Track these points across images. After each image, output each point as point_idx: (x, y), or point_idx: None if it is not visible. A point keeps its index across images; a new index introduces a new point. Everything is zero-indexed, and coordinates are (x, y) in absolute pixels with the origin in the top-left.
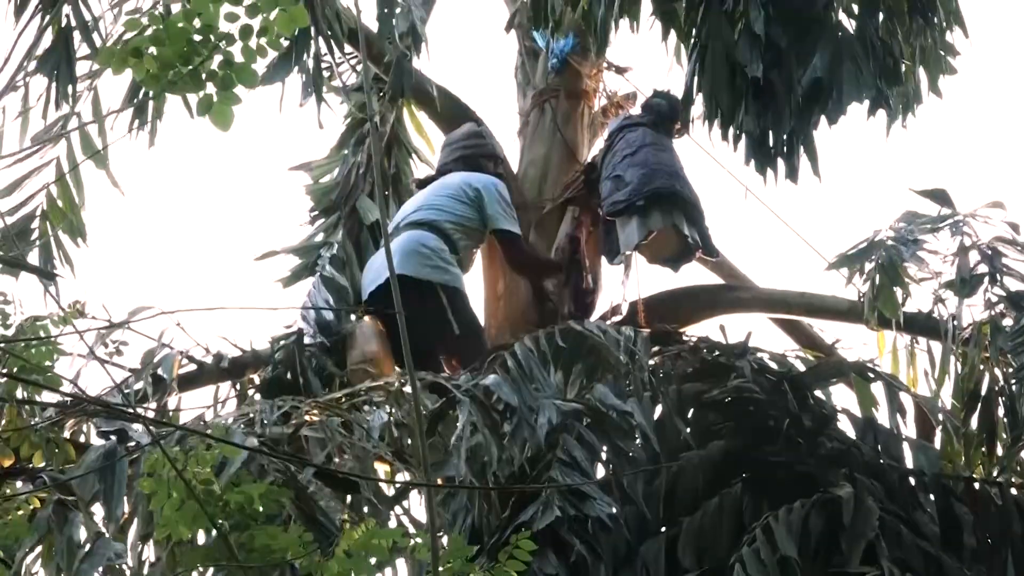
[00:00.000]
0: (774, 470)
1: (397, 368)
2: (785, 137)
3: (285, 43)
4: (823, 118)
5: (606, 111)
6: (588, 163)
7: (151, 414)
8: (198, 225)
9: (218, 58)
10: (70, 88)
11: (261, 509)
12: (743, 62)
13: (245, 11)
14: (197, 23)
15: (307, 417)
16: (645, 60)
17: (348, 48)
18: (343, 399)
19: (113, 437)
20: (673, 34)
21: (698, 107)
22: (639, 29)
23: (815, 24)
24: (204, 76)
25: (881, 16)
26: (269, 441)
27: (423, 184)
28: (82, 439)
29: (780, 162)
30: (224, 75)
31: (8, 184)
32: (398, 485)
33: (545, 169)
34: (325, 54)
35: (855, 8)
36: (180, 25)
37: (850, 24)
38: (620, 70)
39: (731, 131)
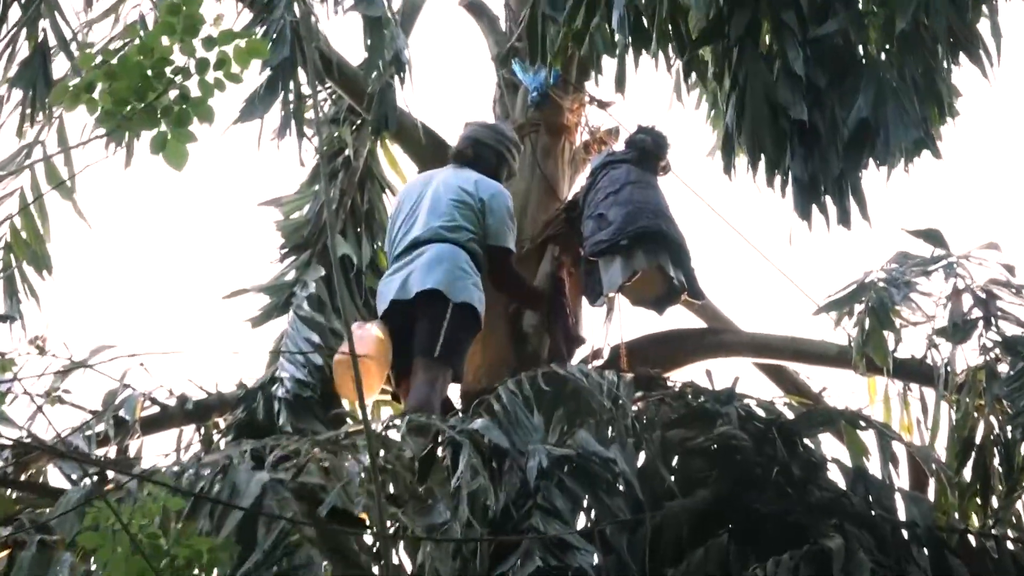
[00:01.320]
0: (762, 520)
1: (389, 379)
2: (834, 181)
3: (263, 76)
4: (871, 160)
5: (588, 147)
6: (569, 200)
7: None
8: (165, 260)
9: (174, 93)
10: (47, 105)
11: (208, 563)
12: (785, 104)
13: (202, 44)
14: (153, 57)
15: (307, 459)
16: (630, 94)
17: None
18: (328, 441)
19: (93, 478)
20: (675, 71)
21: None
22: (657, 69)
23: (854, 63)
24: (159, 112)
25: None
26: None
27: (459, 158)
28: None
29: (829, 207)
30: (179, 111)
31: None
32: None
33: (524, 206)
34: (304, 84)
35: (893, 47)
36: (135, 59)
37: (889, 63)
38: (603, 104)
39: (776, 176)
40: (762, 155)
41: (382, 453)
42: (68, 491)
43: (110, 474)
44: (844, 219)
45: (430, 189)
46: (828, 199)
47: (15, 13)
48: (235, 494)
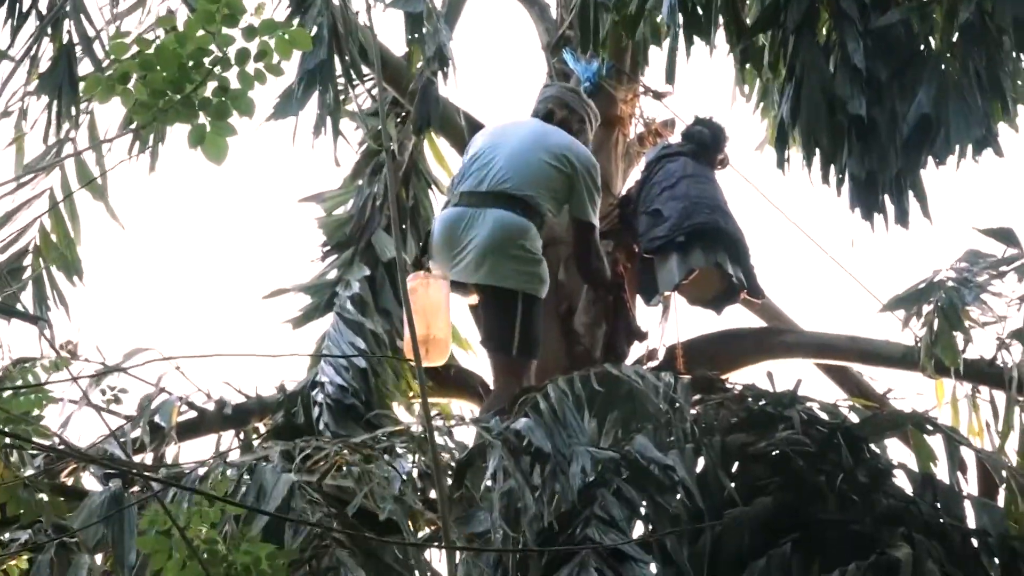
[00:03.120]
0: (826, 529)
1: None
2: (892, 179)
3: (297, 68)
4: (930, 158)
5: (642, 139)
6: (623, 195)
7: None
8: (202, 261)
9: (212, 85)
10: (73, 109)
11: (269, 570)
12: (843, 97)
13: (242, 34)
14: (190, 47)
15: (336, 461)
16: (685, 83)
17: (365, 71)
18: (362, 446)
19: (117, 481)
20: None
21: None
22: (711, 56)
23: (916, 57)
24: (197, 104)
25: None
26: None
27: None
28: (77, 487)
29: (887, 206)
30: (218, 103)
31: None
32: (424, 542)
33: None
34: (340, 75)
35: (956, 39)
36: (172, 49)
37: (952, 56)
38: (658, 95)
39: (832, 172)
40: (817, 150)
41: (418, 457)
42: (91, 494)
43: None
44: (902, 218)
45: (517, 136)
46: (886, 197)
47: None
48: (262, 495)
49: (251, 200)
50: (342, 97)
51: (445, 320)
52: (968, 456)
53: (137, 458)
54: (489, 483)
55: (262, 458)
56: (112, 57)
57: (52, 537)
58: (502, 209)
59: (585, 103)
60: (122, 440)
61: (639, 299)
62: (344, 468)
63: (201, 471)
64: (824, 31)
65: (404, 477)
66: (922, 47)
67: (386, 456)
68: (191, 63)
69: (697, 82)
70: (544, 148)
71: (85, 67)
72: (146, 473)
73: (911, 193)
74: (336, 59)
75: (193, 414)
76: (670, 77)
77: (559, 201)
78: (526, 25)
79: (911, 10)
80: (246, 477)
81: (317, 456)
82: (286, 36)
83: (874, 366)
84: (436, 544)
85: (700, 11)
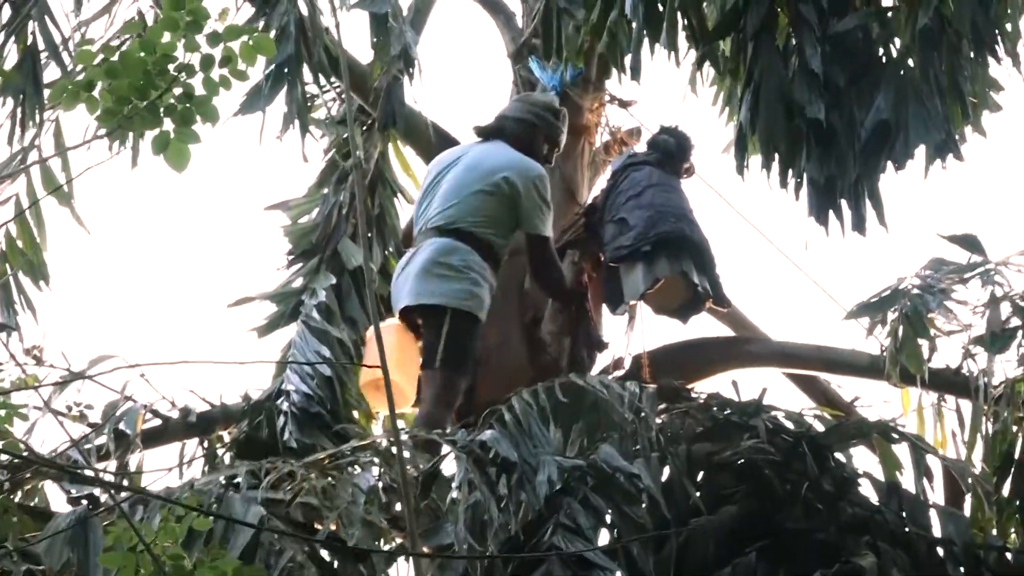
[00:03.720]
0: (791, 537)
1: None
2: (851, 184)
3: (267, 71)
4: (889, 163)
5: (608, 148)
6: (589, 204)
7: (111, 474)
8: (168, 267)
9: (177, 91)
10: (38, 113)
11: None
12: (801, 102)
13: (206, 40)
14: (155, 54)
15: (302, 482)
16: (651, 92)
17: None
18: (326, 460)
19: (84, 502)
20: (689, 65)
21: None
22: (671, 59)
23: (875, 62)
24: (162, 111)
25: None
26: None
27: (484, 132)
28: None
29: (844, 211)
30: (183, 110)
31: None
32: (392, 553)
33: None
34: (309, 83)
35: (916, 44)
36: (137, 56)
37: (911, 61)
38: (624, 104)
39: (791, 178)
40: (776, 155)
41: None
42: (56, 515)
43: (104, 498)
44: (859, 225)
45: (453, 170)
46: (844, 203)
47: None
48: (231, 529)
49: (217, 208)
50: (310, 96)
51: (395, 363)
52: (934, 465)
53: (101, 466)
54: (455, 495)
55: (231, 481)
56: (78, 64)
57: (16, 562)
58: (434, 238)
59: (532, 106)
60: (87, 448)
61: (605, 308)
62: (309, 487)
63: (166, 486)
64: (783, 36)
65: (366, 495)
66: (881, 52)
67: (351, 469)
68: (156, 70)
69: (663, 91)
70: (477, 178)
71: (51, 71)
72: (113, 485)
73: (868, 200)
74: (304, 56)
75: (158, 422)
76: (635, 75)
77: (504, 224)
78: (492, 34)
79: (869, 15)
80: (214, 505)
81: (283, 478)
82: (251, 42)
83: (840, 375)
84: (404, 553)
85: (662, 10)
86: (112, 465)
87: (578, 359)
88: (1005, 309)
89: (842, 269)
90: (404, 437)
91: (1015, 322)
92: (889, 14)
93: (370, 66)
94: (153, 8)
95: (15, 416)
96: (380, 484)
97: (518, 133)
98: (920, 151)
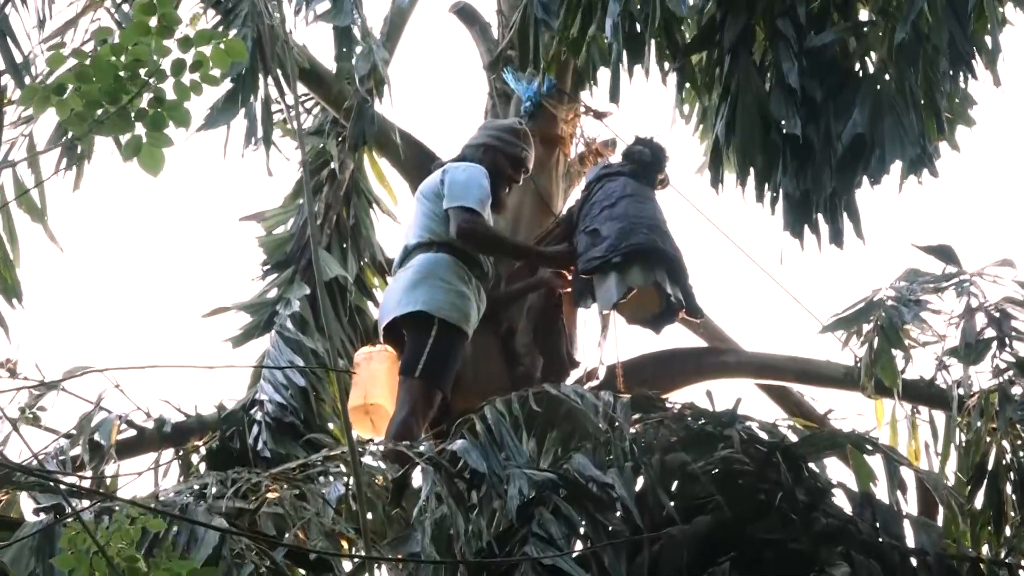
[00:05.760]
0: (765, 547)
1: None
2: (827, 198)
3: (228, 81)
4: (864, 177)
5: (583, 159)
6: (563, 214)
7: (87, 483)
8: (142, 277)
9: (148, 96)
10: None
11: None
12: (778, 117)
13: (177, 45)
14: (125, 58)
15: (267, 493)
16: (626, 104)
17: (304, 89)
18: (296, 470)
19: (50, 514)
20: (671, 84)
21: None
22: (648, 77)
23: (851, 76)
24: (133, 115)
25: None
26: (228, 518)
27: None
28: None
29: (821, 225)
30: (154, 114)
31: None
32: (359, 560)
33: (517, 219)
34: (276, 98)
35: (892, 58)
36: (107, 60)
37: (887, 76)
38: (599, 115)
39: (767, 192)
40: (752, 170)
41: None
42: (24, 524)
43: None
44: (836, 238)
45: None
46: (820, 217)
47: None
48: (193, 541)
49: (192, 219)
50: (275, 110)
51: (384, 389)
52: (907, 476)
53: (75, 477)
54: (423, 505)
55: (201, 491)
56: (46, 70)
57: None
58: (415, 254)
59: (488, 130)
60: (61, 460)
61: (579, 321)
62: (278, 497)
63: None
64: (760, 50)
65: (334, 506)
66: (857, 67)
67: (321, 479)
68: (127, 74)
69: (638, 102)
70: (424, 192)
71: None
72: (77, 489)
73: (845, 213)
74: (261, 69)
75: (133, 432)
76: (614, 96)
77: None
78: (467, 45)
79: (846, 30)
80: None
81: (252, 488)
82: (221, 46)
83: (815, 386)
84: (373, 557)
85: (639, 31)
86: (87, 474)
87: (555, 369)
88: (980, 320)
89: (816, 279)
90: (372, 448)
91: (989, 333)
92: (866, 28)
93: (336, 78)
94: (116, 22)
95: None
96: (351, 493)
97: (478, 157)
98: (896, 165)
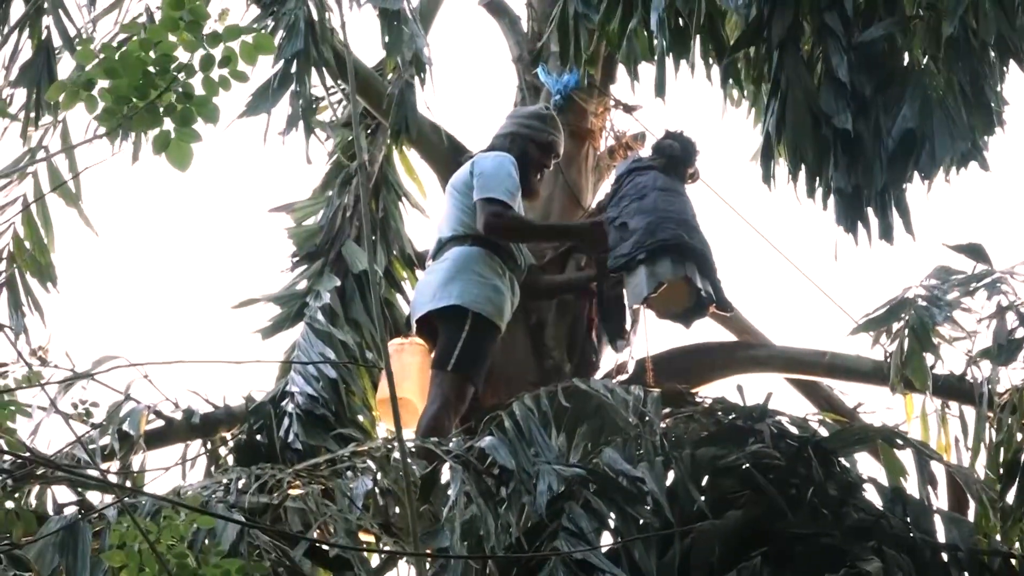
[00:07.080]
0: (796, 542)
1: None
2: (877, 193)
3: (275, 69)
4: (915, 172)
5: (613, 152)
6: (593, 208)
7: (115, 475)
8: (173, 268)
9: (177, 91)
10: (50, 105)
11: None
12: (828, 111)
13: (206, 40)
14: (154, 53)
15: (289, 489)
16: (656, 97)
17: (331, 81)
18: (323, 466)
19: (74, 508)
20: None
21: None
22: (694, 73)
23: (900, 71)
24: (162, 111)
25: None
26: (252, 513)
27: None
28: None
29: (872, 220)
30: (183, 109)
31: None
32: (386, 555)
33: (546, 214)
34: (316, 85)
35: (941, 53)
36: (136, 55)
37: (936, 70)
38: (629, 108)
39: (818, 187)
40: (803, 165)
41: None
42: (49, 520)
43: (108, 498)
44: (887, 233)
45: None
46: (870, 211)
47: (17, 9)
48: (211, 536)
49: (222, 210)
50: (315, 97)
51: (414, 383)
52: (938, 471)
53: (104, 466)
54: (452, 503)
55: (228, 487)
56: (78, 62)
57: (5, 568)
58: (449, 247)
59: (515, 118)
60: (91, 448)
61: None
62: (303, 493)
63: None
64: (808, 46)
65: (360, 503)
66: (906, 61)
67: (349, 474)
68: (156, 69)
69: (670, 95)
70: (454, 185)
71: (67, 63)
72: (116, 486)
73: (895, 208)
74: (314, 55)
75: (161, 423)
76: (660, 92)
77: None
78: (496, 38)
79: (894, 24)
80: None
81: (275, 483)
82: (250, 41)
83: (844, 380)
84: (403, 553)
85: (683, 25)
86: (115, 466)
87: (583, 363)
88: (1011, 319)
89: (847, 274)
90: (409, 445)
91: (1021, 332)
92: (913, 24)
93: (378, 67)
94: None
95: (19, 414)
96: (376, 489)
97: (506, 147)
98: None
